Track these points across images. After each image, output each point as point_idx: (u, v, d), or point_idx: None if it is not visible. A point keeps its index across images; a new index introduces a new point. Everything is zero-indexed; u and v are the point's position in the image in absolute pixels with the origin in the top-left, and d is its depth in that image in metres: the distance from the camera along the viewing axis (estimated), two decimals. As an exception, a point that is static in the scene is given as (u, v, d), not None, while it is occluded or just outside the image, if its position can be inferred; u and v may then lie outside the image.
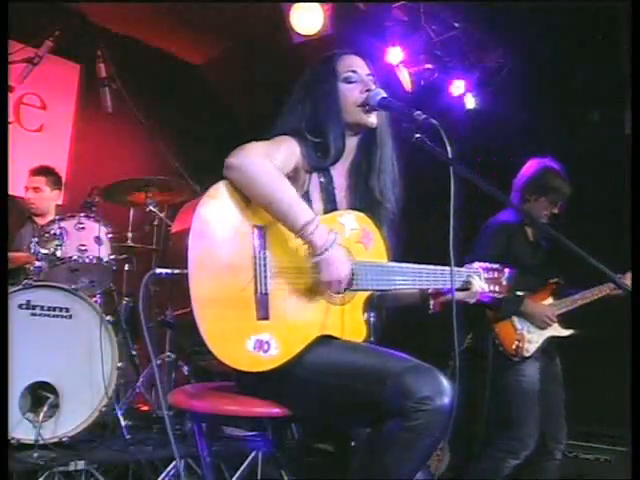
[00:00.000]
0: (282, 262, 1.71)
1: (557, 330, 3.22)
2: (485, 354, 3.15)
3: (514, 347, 3.12)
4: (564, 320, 3.24)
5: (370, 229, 1.92)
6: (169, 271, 1.64)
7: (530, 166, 3.32)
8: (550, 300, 3.27)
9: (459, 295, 1.94)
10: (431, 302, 1.97)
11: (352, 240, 1.85)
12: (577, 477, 3.45)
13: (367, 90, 1.91)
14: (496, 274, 2.09)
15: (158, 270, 1.64)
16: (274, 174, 1.68)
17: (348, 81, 1.94)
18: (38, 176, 4.24)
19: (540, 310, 3.18)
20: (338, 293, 1.77)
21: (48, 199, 4.27)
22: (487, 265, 2.08)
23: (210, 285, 1.60)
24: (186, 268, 1.58)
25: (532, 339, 3.15)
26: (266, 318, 1.65)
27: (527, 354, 3.12)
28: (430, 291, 1.96)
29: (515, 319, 3.17)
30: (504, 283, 2.10)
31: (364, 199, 1.96)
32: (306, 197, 1.85)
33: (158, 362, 3.92)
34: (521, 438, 3.06)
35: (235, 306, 1.62)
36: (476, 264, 2.07)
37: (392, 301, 2.07)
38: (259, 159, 1.69)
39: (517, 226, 3.26)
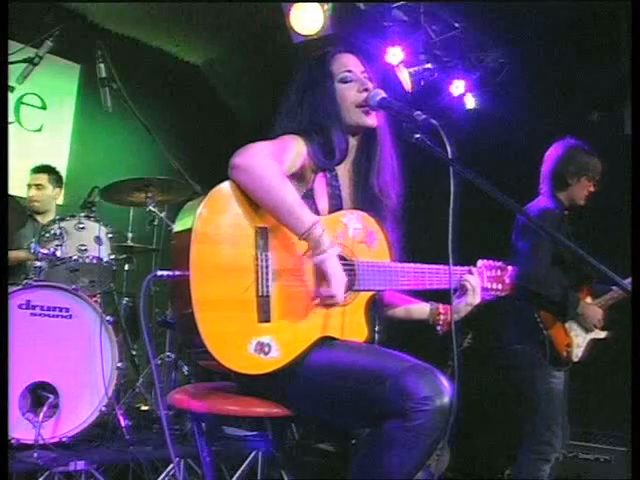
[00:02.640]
0: (284, 264, 1.70)
1: (596, 332, 3.02)
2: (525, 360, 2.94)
3: (565, 353, 2.89)
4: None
5: (373, 229, 1.90)
6: (170, 273, 1.63)
7: (557, 150, 3.11)
8: (589, 300, 3.05)
9: (461, 302, 1.93)
10: (440, 317, 1.96)
11: (355, 240, 1.84)
12: (577, 477, 3.45)
13: (365, 89, 1.90)
14: (499, 272, 2.07)
15: (159, 272, 1.64)
16: (278, 177, 1.67)
17: (344, 81, 1.93)
18: (41, 173, 4.30)
19: (593, 312, 2.98)
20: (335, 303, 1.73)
21: (50, 197, 4.31)
22: (490, 263, 2.06)
23: (211, 287, 1.59)
24: (187, 269, 1.57)
25: (580, 343, 2.96)
26: (267, 320, 1.64)
27: (575, 359, 2.92)
28: (441, 311, 1.96)
29: (567, 322, 2.96)
30: (507, 281, 2.08)
31: (365, 197, 1.96)
32: (310, 194, 1.85)
33: (158, 362, 3.92)
34: (550, 442, 2.90)
35: (236, 308, 1.61)
36: (479, 262, 2.05)
37: (404, 314, 2.05)
38: (265, 161, 1.68)
39: (559, 216, 3.00)
